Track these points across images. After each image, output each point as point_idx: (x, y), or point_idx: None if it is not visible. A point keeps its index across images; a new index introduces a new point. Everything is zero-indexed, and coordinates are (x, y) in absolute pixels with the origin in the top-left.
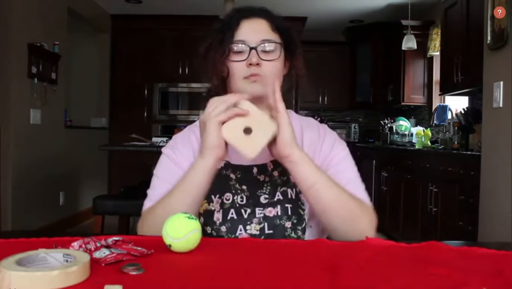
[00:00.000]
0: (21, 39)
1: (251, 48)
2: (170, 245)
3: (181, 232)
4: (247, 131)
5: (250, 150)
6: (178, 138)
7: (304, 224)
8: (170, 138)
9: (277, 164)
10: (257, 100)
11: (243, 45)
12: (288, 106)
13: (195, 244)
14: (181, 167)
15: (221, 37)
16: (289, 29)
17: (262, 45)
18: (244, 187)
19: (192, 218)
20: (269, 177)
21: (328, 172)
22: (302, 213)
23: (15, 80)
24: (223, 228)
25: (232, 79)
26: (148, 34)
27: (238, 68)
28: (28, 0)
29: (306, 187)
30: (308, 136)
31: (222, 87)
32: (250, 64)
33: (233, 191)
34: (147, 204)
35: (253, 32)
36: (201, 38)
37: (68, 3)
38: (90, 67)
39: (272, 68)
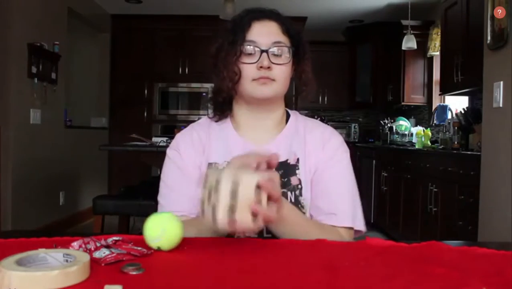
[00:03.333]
0: (21, 39)
1: (262, 51)
2: (158, 248)
3: (155, 230)
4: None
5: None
6: (179, 138)
7: None
8: (170, 138)
9: (280, 166)
10: (264, 103)
11: (254, 47)
12: (289, 107)
13: (176, 232)
14: (186, 170)
15: (232, 38)
16: (299, 33)
17: (273, 48)
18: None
19: (162, 213)
20: None
21: (322, 175)
22: None
23: (15, 80)
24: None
25: (242, 81)
26: (148, 34)
27: (248, 70)
28: (28, 0)
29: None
30: (310, 137)
31: (233, 88)
32: (261, 67)
33: None
34: None
35: (265, 34)
36: (201, 37)
37: (68, 3)
38: (90, 67)
39: (282, 72)
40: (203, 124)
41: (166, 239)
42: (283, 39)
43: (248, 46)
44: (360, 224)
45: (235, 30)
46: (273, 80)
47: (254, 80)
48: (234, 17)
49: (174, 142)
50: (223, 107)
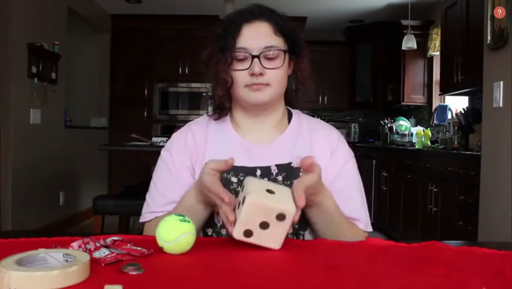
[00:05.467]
0: (21, 39)
1: (253, 57)
2: (162, 247)
3: (172, 235)
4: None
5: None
6: (174, 138)
7: (307, 230)
8: (170, 138)
9: (282, 168)
10: (260, 107)
11: (245, 53)
12: (290, 105)
13: (187, 247)
14: (176, 172)
15: (223, 44)
16: (293, 31)
17: (265, 52)
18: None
19: (185, 221)
20: (272, 181)
21: (336, 182)
22: (305, 218)
23: (15, 80)
24: (223, 231)
25: (235, 87)
26: (148, 34)
27: (240, 76)
28: (28, 0)
29: (312, 220)
30: (316, 137)
31: (227, 96)
32: (253, 74)
33: (234, 195)
34: (146, 214)
35: (255, 37)
36: (201, 37)
37: (68, 3)
38: (90, 67)
39: (276, 76)
40: (201, 123)
41: (174, 248)
42: (276, 40)
43: (239, 53)
44: (370, 226)
45: (225, 36)
46: (267, 84)
47: (247, 86)
48: (223, 21)
49: (169, 142)
50: (221, 109)
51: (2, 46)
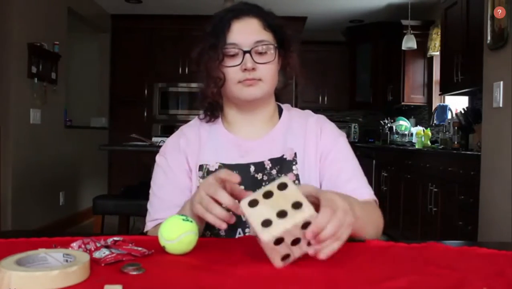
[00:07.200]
0: (21, 39)
1: (244, 52)
2: (164, 247)
3: (174, 233)
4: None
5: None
6: (168, 143)
7: None
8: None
9: (275, 162)
10: (253, 103)
11: (236, 49)
12: (281, 101)
13: (189, 246)
14: (172, 176)
15: (213, 41)
16: (282, 26)
17: (256, 47)
18: (241, 187)
19: (188, 220)
20: (267, 175)
21: (329, 164)
22: None
23: (15, 80)
24: (222, 232)
25: (227, 84)
26: (148, 34)
27: (232, 72)
28: (28, 0)
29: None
30: (308, 128)
31: (219, 93)
32: (245, 69)
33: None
34: (148, 223)
35: (245, 33)
36: (201, 38)
37: (68, 3)
38: (90, 67)
39: (268, 71)
40: (194, 126)
41: (176, 247)
42: (266, 36)
43: (230, 49)
44: (374, 195)
45: (215, 33)
46: (259, 80)
47: (239, 82)
48: (213, 18)
49: (162, 147)
50: (212, 109)
51: (2, 46)
